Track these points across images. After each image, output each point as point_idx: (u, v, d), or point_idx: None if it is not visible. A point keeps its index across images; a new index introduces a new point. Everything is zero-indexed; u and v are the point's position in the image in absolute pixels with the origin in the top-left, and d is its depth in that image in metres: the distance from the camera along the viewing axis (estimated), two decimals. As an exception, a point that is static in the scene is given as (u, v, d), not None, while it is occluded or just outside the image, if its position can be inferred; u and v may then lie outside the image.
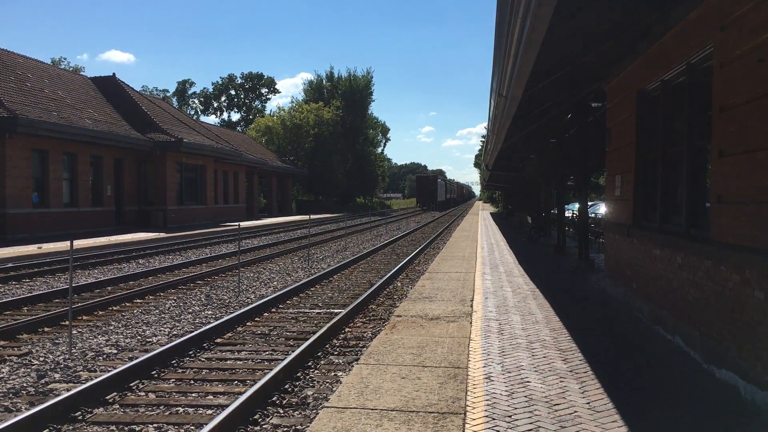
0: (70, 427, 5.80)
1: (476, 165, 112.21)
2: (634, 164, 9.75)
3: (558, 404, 5.31)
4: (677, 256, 7.48)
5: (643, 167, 9.58)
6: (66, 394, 6.23)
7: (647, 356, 7.04)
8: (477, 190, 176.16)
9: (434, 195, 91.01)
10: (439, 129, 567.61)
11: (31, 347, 8.73)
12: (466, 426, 4.78)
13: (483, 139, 77.41)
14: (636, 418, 5.01)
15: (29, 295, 12.56)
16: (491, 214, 63.45)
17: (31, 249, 20.57)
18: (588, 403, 5.35)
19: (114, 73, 39.67)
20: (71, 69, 64.08)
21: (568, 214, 26.19)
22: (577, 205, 22.03)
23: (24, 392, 6.81)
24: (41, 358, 8.13)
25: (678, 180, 8.13)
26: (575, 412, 5.13)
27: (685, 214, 7.58)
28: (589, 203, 21.11)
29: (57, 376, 7.42)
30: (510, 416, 5.02)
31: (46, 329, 9.94)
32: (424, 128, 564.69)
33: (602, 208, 21.56)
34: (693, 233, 7.31)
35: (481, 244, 22.41)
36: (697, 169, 7.49)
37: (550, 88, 11.13)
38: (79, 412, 6.10)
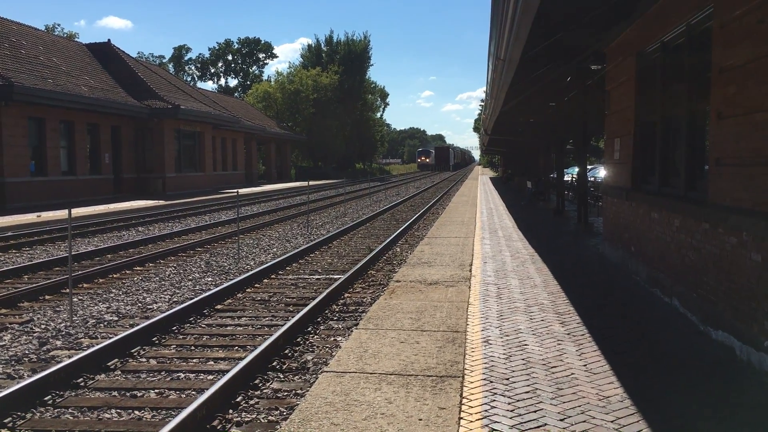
0: (72, 393, 5.87)
1: (476, 130, 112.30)
2: (633, 127, 9.69)
3: (555, 366, 5.36)
4: (675, 219, 7.48)
5: (641, 130, 9.52)
6: (68, 361, 6.29)
7: (644, 318, 7.09)
8: (476, 154, 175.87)
9: (448, 161, 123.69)
10: (438, 93, 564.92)
11: (32, 315, 8.78)
12: (464, 389, 4.83)
13: (482, 104, 76.89)
14: (632, 379, 5.06)
15: (29, 263, 12.60)
16: (491, 178, 63.35)
17: (30, 217, 20.59)
18: (585, 365, 5.40)
19: (109, 40, 38.94)
20: (66, 35, 63.23)
21: (567, 178, 26.13)
22: (576, 169, 21.98)
23: (26, 359, 6.87)
24: (43, 326, 8.19)
25: (676, 143, 8.09)
26: (572, 374, 5.18)
27: (684, 177, 7.57)
28: (589, 167, 21.05)
29: (58, 343, 7.48)
30: (508, 379, 5.07)
31: (47, 297, 9.99)
32: (423, 93, 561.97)
33: (602, 172, 21.49)
34: (691, 196, 7.31)
35: (481, 209, 22.42)
36: (695, 131, 7.44)
37: (548, 50, 11.00)
38: (81, 379, 6.17)
